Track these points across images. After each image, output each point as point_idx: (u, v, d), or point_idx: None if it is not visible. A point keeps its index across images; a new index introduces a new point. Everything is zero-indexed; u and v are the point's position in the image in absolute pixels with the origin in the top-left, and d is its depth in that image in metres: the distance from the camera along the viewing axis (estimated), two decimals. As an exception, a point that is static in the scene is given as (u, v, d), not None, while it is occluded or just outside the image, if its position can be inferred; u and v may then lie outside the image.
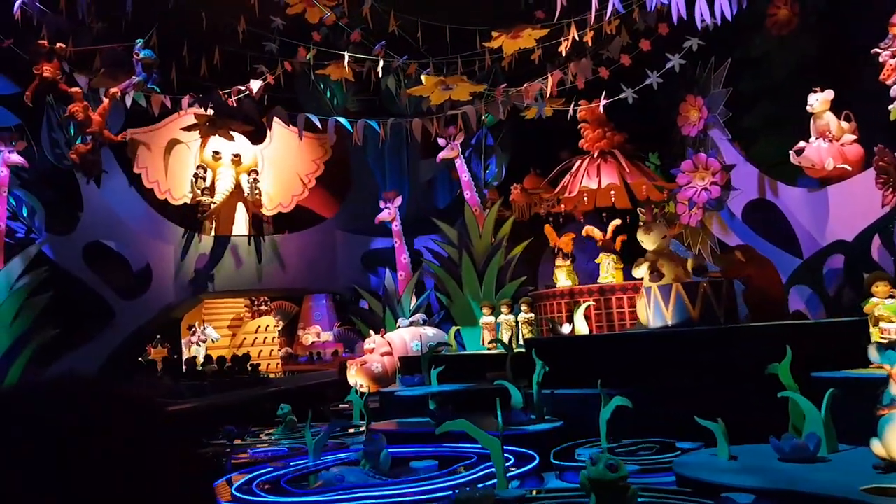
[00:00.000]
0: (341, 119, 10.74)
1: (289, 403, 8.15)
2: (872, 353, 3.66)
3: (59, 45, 8.24)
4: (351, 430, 7.07)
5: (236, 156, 13.22)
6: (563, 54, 9.74)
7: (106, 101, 9.01)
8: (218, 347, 15.27)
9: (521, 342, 8.89)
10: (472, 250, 11.97)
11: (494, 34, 9.32)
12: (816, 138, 8.65)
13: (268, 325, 16.80)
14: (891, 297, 5.08)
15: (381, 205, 12.81)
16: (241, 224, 13.45)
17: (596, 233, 10.80)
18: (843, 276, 7.45)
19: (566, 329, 8.23)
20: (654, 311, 6.66)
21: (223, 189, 12.92)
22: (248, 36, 10.19)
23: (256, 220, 13.47)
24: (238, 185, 13.17)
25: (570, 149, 14.25)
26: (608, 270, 10.41)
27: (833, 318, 7.03)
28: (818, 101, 8.64)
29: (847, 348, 5.25)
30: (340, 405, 10.30)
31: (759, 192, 9.57)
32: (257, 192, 13.04)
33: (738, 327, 6.20)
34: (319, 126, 10.80)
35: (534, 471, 5.02)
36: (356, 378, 10.37)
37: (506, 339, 9.26)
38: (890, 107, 7.93)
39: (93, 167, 8.93)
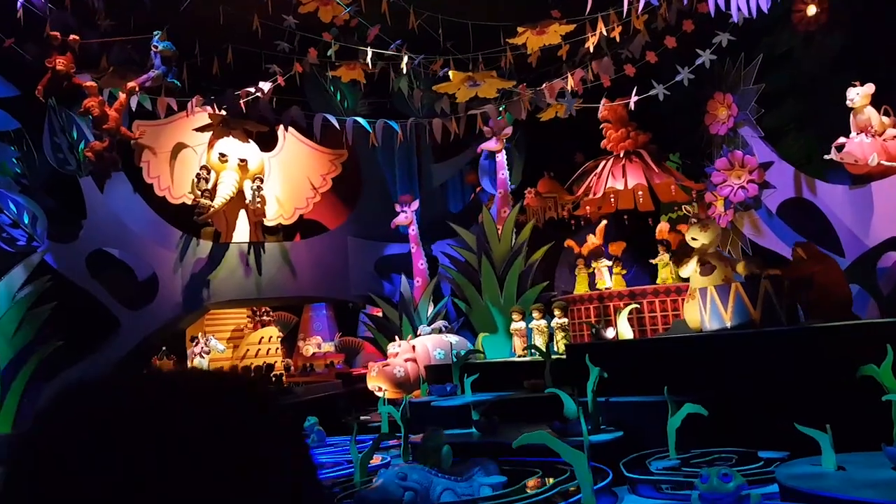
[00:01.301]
0: (360, 119, 10.35)
1: (308, 414, 7.76)
2: None
3: (72, 36, 7.81)
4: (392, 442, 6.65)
5: (243, 161, 12.79)
6: (591, 50, 9.41)
7: (123, 96, 8.58)
8: (221, 359, 14.81)
9: (555, 348, 8.52)
10: (491, 255, 11.60)
11: (520, 29, 8.99)
12: (858, 133, 8.37)
13: (271, 336, 16.35)
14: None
15: (398, 208, 12.43)
16: (242, 231, 13.01)
17: (591, 239, 10.52)
18: (900, 275, 7.15)
19: (610, 333, 7.87)
20: (710, 313, 6.31)
21: (224, 193, 12.46)
22: (259, 36, 9.82)
23: (260, 228, 13.02)
24: (241, 192, 12.74)
25: (584, 151, 13.99)
26: (601, 277, 10.11)
27: (885, 318, 6.70)
28: (859, 95, 8.37)
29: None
30: (362, 416, 9.91)
31: (795, 191, 9.27)
32: (260, 200, 12.59)
33: (811, 328, 5.85)
34: (337, 126, 10.41)
35: (607, 486, 4.64)
36: (376, 382, 9.98)
37: (540, 345, 8.91)
38: (939, 98, 7.68)
39: (109, 165, 8.49)
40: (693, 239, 6.93)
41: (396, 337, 10.61)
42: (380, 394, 10.09)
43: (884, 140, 8.23)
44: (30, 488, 0.69)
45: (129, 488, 0.67)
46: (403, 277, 12.34)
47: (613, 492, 4.69)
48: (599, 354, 6.18)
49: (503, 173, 12.11)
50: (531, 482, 4.73)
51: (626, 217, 11.75)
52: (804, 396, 5.02)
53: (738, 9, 8.14)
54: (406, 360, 10.05)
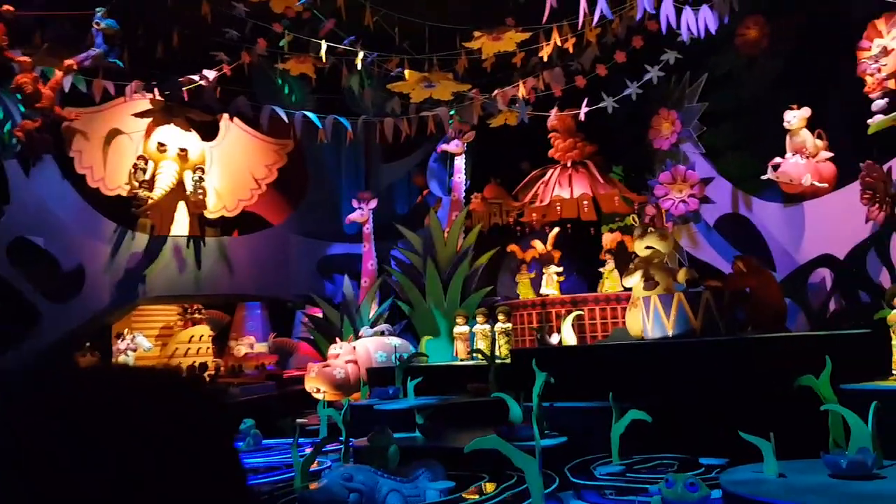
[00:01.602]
0: (310, 114, 10.14)
1: (243, 416, 7.50)
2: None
3: (5, 7, 7.33)
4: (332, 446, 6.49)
5: (183, 150, 12.34)
6: (545, 59, 9.52)
7: (59, 73, 8.12)
8: (147, 357, 14.24)
9: (497, 352, 8.53)
10: (436, 259, 11.56)
11: (476, 34, 9.01)
12: (793, 154, 8.73)
13: (201, 335, 15.84)
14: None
15: (355, 204, 12.26)
16: (181, 224, 12.55)
17: (539, 245, 10.67)
18: (830, 290, 7.46)
19: (555, 339, 7.93)
20: (653, 321, 6.44)
21: (163, 184, 11.99)
22: (208, 21, 9.51)
23: (201, 221, 12.58)
24: (181, 182, 12.29)
25: (530, 160, 14.15)
26: (548, 283, 10.28)
27: (819, 331, 6.98)
28: (796, 117, 8.73)
29: (863, 360, 5.16)
30: (298, 419, 9.68)
31: (732, 207, 9.60)
32: (201, 191, 12.16)
33: (751, 338, 6.04)
34: (286, 119, 10.17)
35: (553, 492, 4.64)
36: (315, 383, 9.78)
37: (483, 350, 8.92)
38: (870, 121, 8.07)
39: (41, 147, 8.01)
40: (649, 248, 7.06)
41: (337, 338, 10.43)
42: (318, 395, 9.90)
43: (817, 162, 8.60)
44: (24, 486, 0.68)
45: (128, 486, 0.69)
46: (346, 278, 12.16)
47: (559, 497, 4.70)
48: (545, 360, 6.21)
49: (460, 177, 12.08)
50: (477, 487, 4.69)
51: (569, 226, 11.96)
52: (743, 405, 5.16)
53: (688, 28, 8.37)
54: (347, 362, 9.89)
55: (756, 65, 10.19)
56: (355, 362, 9.96)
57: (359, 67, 9.80)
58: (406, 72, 9.31)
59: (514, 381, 6.96)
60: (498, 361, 7.79)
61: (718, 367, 5.61)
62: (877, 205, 7.02)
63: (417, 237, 11.98)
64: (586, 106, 10.00)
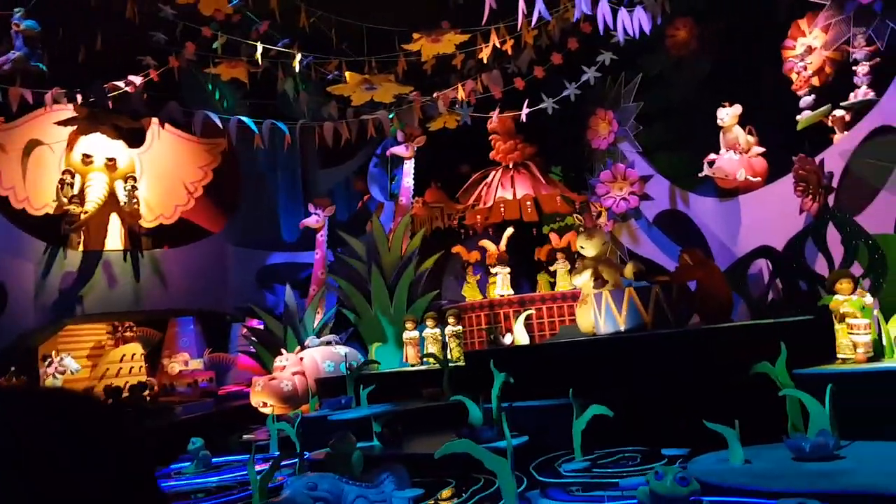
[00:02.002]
0: (245, 119, 9.82)
1: (184, 434, 7.18)
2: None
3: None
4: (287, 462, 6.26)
5: (111, 160, 11.77)
6: (485, 61, 9.54)
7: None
8: (76, 380, 13.52)
9: (448, 356, 8.45)
10: (381, 264, 11.40)
11: (416, 36, 8.93)
12: (727, 151, 9.01)
13: (133, 354, 15.16)
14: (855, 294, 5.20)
15: (311, 209, 11.94)
16: (114, 238, 11.96)
17: (490, 246, 10.70)
18: (769, 280, 7.72)
19: (507, 339, 7.91)
20: (605, 317, 6.49)
21: (95, 197, 11.43)
22: (132, 25, 9.09)
23: (133, 234, 12.01)
24: (112, 194, 11.72)
25: (470, 162, 14.18)
26: (503, 283, 10.32)
27: (764, 319, 7.18)
28: (728, 115, 9.02)
29: (809, 346, 5.33)
30: (245, 435, 9.36)
31: (670, 203, 9.84)
32: (135, 201, 11.63)
33: (705, 329, 6.16)
34: (220, 125, 9.82)
35: (521, 492, 4.58)
36: (261, 397, 9.47)
37: (434, 354, 8.83)
38: (798, 117, 8.42)
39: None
40: (581, 247, 7.13)
41: (283, 350, 10.13)
42: (265, 410, 9.59)
43: (749, 157, 8.91)
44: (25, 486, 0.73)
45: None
46: (288, 287, 11.84)
47: (526, 497, 4.65)
48: (501, 360, 6.17)
49: (409, 181, 11.95)
50: (448, 493, 4.60)
51: (512, 227, 12.02)
52: (700, 394, 5.25)
53: (623, 29, 8.53)
54: (294, 374, 9.61)
55: (686, 65, 10.49)
56: (303, 374, 9.69)
57: (297, 70, 9.54)
58: (346, 74, 9.14)
59: (470, 384, 6.91)
60: (451, 365, 7.71)
61: (674, 358, 5.69)
62: (810, 196, 7.30)
63: (360, 243, 11.79)
64: (526, 107, 10.05)
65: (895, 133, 6.97)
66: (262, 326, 12.22)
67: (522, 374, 6.11)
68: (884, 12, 7.08)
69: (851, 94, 7.80)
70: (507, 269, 9.91)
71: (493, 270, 10.17)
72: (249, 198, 13.50)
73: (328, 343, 10.47)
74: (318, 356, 10.02)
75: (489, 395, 5.95)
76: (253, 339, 11.98)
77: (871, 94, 7.57)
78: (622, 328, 6.40)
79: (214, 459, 7.09)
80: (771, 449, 4.24)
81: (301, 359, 9.87)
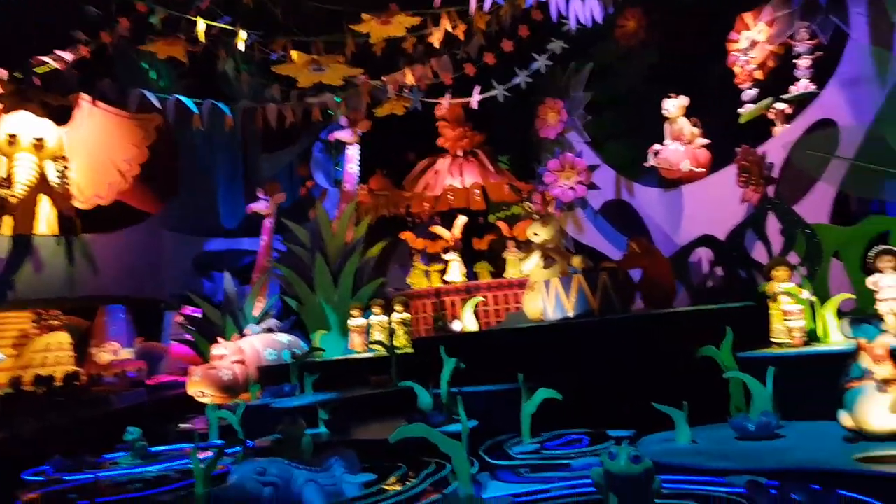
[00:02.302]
0: (185, 99, 9.44)
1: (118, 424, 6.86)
2: (845, 328, 3.72)
3: None
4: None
5: (39, 140, 11.13)
6: (436, 46, 9.43)
7: None
8: (1, 369, 12.86)
9: (395, 343, 8.34)
10: (325, 251, 11.18)
11: (365, 17, 8.73)
12: (672, 141, 9.17)
13: (60, 343, 14.51)
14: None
15: (260, 194, 11.57)
16: (46, 221, 11.36)
17: (444, 233, 10.66)
18: (710, 268, 7.90)
19: (457, 326, 7.86)
20: (554, 304, 6.52)
21: (24, 179, 10.80)
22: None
23: (64, 218, 11.40)
24: (42, 175, 11.12)
25: (415, 150, 14.05)
26: (454, 270, 10.32)
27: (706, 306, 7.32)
28: (674, 106, 9.17)
29: (749, 330, 5.46)
30: (181, 425, 9.05)
31: (616, 193, 9.97)
32: (67, 182, 11.04)
33: (651, 314, 6.24)
34: (158, 105, 9.41)
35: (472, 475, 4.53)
36: (199, 387, 9.17)
37: (382, 341, 8.72)
38: (741, 110, 8.63)
39: None
40: (535, 234, 7.14)
41: (220, 339, 9.81)
42: (203, 399, 9.29)
43: (694, 148, 9.09)
44: None
45: None
46: (227, 275, 11.48)
47: (477, 480, 4.61)
48: (451, 347, 6.12)
49: (353, 167, 11.72)
50: (396, 478, 4.51)
51: (458, 215, 11.99)
52: (645, 378, 5.32)
53: (576, 17, 8.56)
54: (234, 363, 9.32)
55: (634, 56, 10.63)
56: (243, 362, 9.41)
57: (242, 49, 9.22)
58: (293, 54, 8.87)
59: (418, 371, 6.84)
60: (398, 352, 7.62)
61: (621, 343, 5.75)
62: (752, 186, 7.50)
63: (304, 231, 11.54)
64: (477, 94, 9.99)
65: (834, 126, 7.21)
66: (199, 314, 11.85)
67: (471, 360, 6.06)
68: (828, 7, 7.30)
69: (792, 87, 8.03)
70: (457, 257, 9.87)
71: (444, 257, 10.12)
72: (187, 182, 13.03)
73: (269, 330, 10.22)
74: (259, 344, 9.76)
75: (438, 381, 5.89)
76: (190, 327, 11.59)
77: (812, 87, 7.81)
78: (571, 314, 6.43)
79: (151, 449, 6.82)
80: (715, 429, 4.31)
81: (241, 347, 9.59)
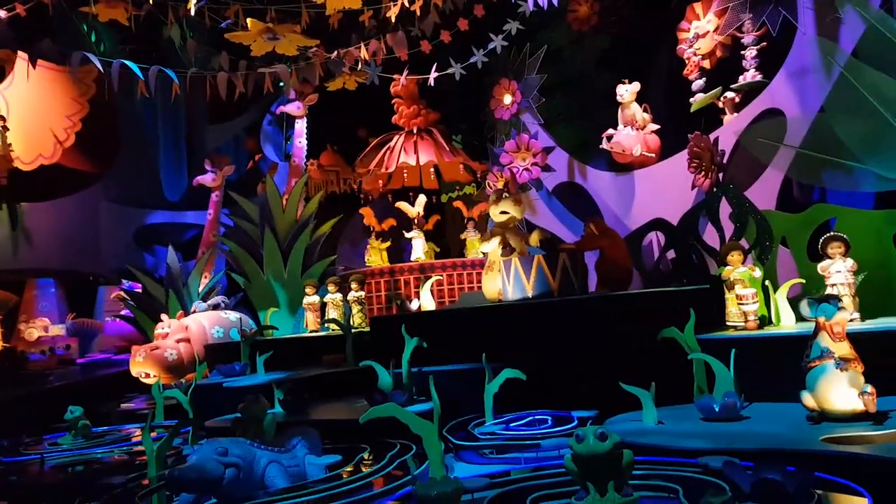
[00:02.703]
0: (130, 64, 8.96)
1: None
2: (804, 308, 3.83)
3: None
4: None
5: (-32, 101, 10.48)
6: (392, 20, 9.23)
7: None
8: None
9: (352, 322, 8.24)
10: (275, 227, 10.92)
11: (320, -15, 8.47)
12: (625, 126, 9.29)
13: (-14, 317, 13.78)
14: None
15: (207, 166, 11.12)
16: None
17: (410, 210, 10.58)
18: (661, 252, 8.08)
19: (414, 305, 7.80)
20: (514, 284, 6.54)
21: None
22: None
23: (10, 178, 10.75)
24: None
25: (368, 126, 13.84)
26: (421, 248, 10.29)
27: (650, 288, 7.51)
28: (627, 91, 9.26)
29: (703, 313, 5.60)
30: (122, 405, 8.77)
31: (569, 175, 10.06)
32: (9, 144, 10.39)
33: (612, 295, 6.32)
34: (101, 68, 8.91)
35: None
36: (143, 367, 8.86)
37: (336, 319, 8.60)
38: (691, 99, 8.80)
39: None
40: (503, 213, 7.12)
41: (164, 316, 9.48)
42: (147, 381, 8.99)
43: (645, 134, 9.23)
44: None
45: None
46: (171, 249, 11.08)
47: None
48: (410, 326, 6.08)
49: (301, 141, 11.42)
50: (362, 459, 4.46)
51: (411, 194, 11.90)
52: (607, 359, 5.40)
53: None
54: (178, 341, 9.04)
55: (586, 40, 10.69)
56: (188, 340, 9.13)
57: (191, 13, 8.81)
58: (249, 21, 8.53)
59: (374, 350, 6.78)
60: (355, 331, 7.52)
61: (581, 324, 5.82)
62: (703, 173, 7.67)
63: (253, 205, 11.23)
64: (435, 72, 9.87)
65: (782, 115, 7.43)
66: (139, 289, 11.42)
67: (430, 339, 6.04)
68: (777, 0, 7.48)
69: (741, 77, 8.23)
70: (417, 235, 9.80)
71: (407, 235, 10.04)
72: (128, 151, 12.46)
73: (217, 307, 9.94)
74: (206, 322, 9.48)
75: (399, 360, 5.84)
76: (130, 302, 11.17)
77: (759, 77, 8.02)
78: (530, 294, 6.47)
79: (95, 429, 6.57)
80: (678, 410, 4.42)
81: (186, 325, 9.29)
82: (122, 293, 11.73)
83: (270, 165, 12.79)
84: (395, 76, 10.22)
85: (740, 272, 5.54)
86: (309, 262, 10.95)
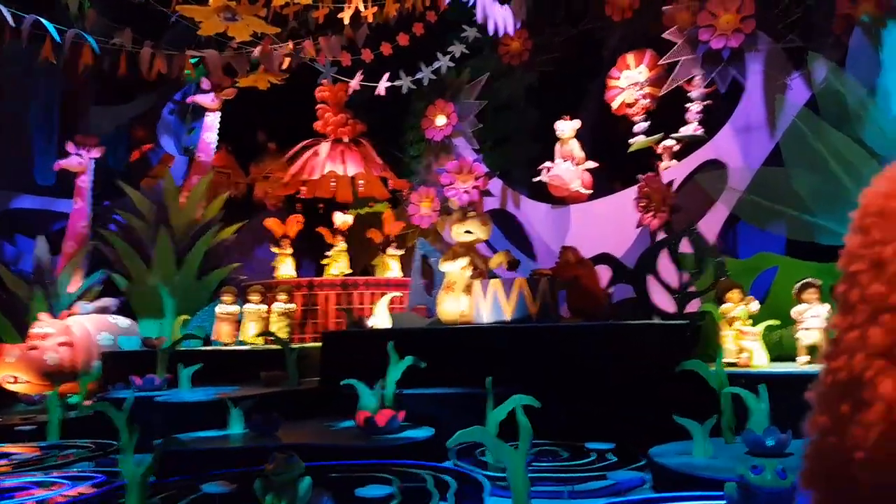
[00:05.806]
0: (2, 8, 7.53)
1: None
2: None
3: None
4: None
5: None
6: (345, 22, 8.73)
7: None
8: None
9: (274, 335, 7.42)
10: (170, 227, 9.71)
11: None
12: (564, 161, 9.41)
13: None
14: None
15: (71, 149, 9.54)
16: None
17: (344, 222, 9.99)
18: (607, 286, 8.15)
19: (372, 322, 7.18)
20: (491, 306, 6.22)
21: None
22: None
23: None
24: None
25: (269, 131, 13.01)
26: (344, 263, 9.72)
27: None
28: (568, 128, 9.42)
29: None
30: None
31: (501, 203, 9.98)
32: None
33: (614, 325, 6.15)
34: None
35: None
36: (14, 370, 7.39)
37: (254, 332, 7.74)
38: (631, 140, 9.11)
39: None
40: (467, 232, 6.81)
41: (43, 314, 8.00)
42: (14, 387, 7.50)
43: (582, 170, 9.41)
44: None
45: None
46: (41, 239, 9.45)
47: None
48: (366, 343, 5.56)
49: (210, 136, 10.32)
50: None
51: (321, 206, 11.26)
52: (610, 389, 5.23)
53: (495, 23, 8.46)
54: (60, 345, 7.65)
55: (516, 74, 10.80)
56: (71, 345, 7.76)
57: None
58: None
59: (323, 367, 6.15)
60: (296, 346, 6.76)
61: (577, 352, 5.61)
62: (651, 212, 7.90)
63: (145, 199, 9.94)
64: (384, 82, 9.44)
65: (724, 167, 7.89)
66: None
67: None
68: (728, 60, 7.99)
69: (682, 128, 8.66)
70: (341, 248, 9.17)
71: (336, 249, 9.35)
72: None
73: (104, 310, 8.58)
74: (92, 326, 8.13)
75: (368, 379, 5.27)
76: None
77: (701, 131, 8.48)
78: (508, 318, 6.18)
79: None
80: (717, 444, 4.32)
81: (69, 327, 7.91)
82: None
83: (162, 157, 11.47)
84: (349, 81, 9.69)
85: (740, 310, 5.68)
86: (205, 269, 9.86)
